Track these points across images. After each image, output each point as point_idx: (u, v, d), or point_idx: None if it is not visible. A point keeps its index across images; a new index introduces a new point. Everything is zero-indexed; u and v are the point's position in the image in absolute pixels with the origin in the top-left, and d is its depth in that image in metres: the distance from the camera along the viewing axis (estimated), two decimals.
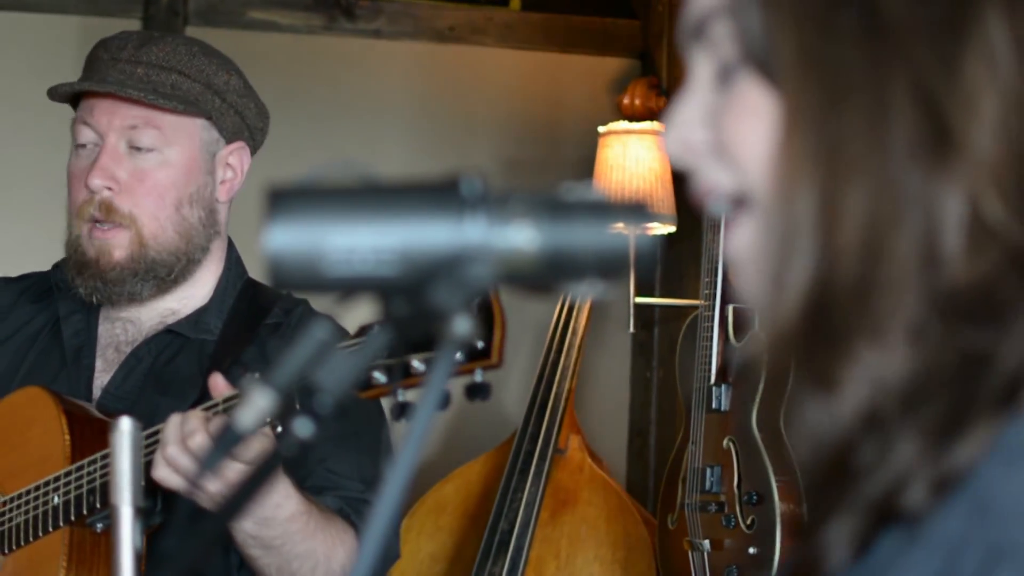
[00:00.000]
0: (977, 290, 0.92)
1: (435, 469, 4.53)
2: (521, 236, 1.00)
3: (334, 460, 2.46)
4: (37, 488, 2.43)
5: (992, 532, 0.89)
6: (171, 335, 2.61)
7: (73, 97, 2.63)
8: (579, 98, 5.17)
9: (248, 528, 2.29)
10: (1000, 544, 0.88)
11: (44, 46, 4.78)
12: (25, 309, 2.71)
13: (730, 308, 3.93)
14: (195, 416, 2.23)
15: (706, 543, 3.85)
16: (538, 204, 1.01)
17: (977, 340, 0.92)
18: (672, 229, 4.70)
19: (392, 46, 5.09)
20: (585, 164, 4.72)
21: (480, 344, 1.81)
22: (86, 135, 2.60)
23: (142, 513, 1.81)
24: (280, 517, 2.28)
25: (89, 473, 2.37)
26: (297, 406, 1.93)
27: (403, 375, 1.87)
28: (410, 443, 0.96)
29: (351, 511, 2.44)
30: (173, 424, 2.23)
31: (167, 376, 2.58)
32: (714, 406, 3.89)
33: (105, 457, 2.35)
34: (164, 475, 2.23)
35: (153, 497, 2.27)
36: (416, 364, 1.81)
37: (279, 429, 2.13)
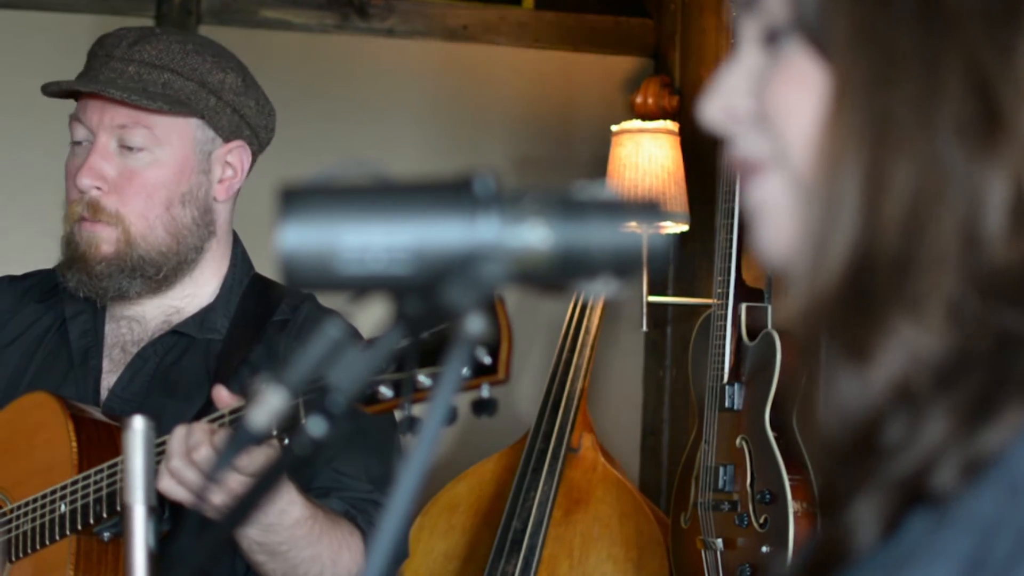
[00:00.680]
0: (1016, 272, 0.93)
1: (448, 468, 4.53)
2: (534, 235, 1.00)
3: (341, 461, 2.45)
4: (44, 496, 2.42)
5: None
6: (177, 335, 2.60)
7: (74, 93, 2.63)
8: (592, 97, 5.17)
9: (253, 535, 2.29)
10: None
11: (55, 45, 4.78)
12: (30, 308, 2.70)
13: (743, 307, 3.93)
14: (200, 429, 2.22)
15: (719, 542, 3.84)
16: (551, 203, 1.01)
17: (1013, 321, 0.92)
18: (685, 228, 4.69)
19: (405, 45, 5.09)
20: (598, 163, 4.72)
21: (487, 360, 1.81)
22: (80, 132, 2.60)
23: (154, 514, 1.81)
24: (285, 523, 2.28)
25: (96, 482, 2.36)
26: (303, 420, 1.93)
27: (410, 390, 1.86)
28: (422, 443, 0.96)
29: (357, 513, 2.43)
30: (178, 437, 2.22)
31: (173, 377, 2.57)
32: (727, 405, 3.88)
33: (112, 466, 2.35)
34: (169, 487, 2.22)
35: (160, 504, 2.27)
36: (423, 379, 1.80)
37: (285, 441, 2.12)
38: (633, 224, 1.01)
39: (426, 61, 5.12)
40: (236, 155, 2.63)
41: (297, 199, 1.01)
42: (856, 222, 0.95)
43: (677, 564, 4.07)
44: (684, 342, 4.56)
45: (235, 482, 2.15)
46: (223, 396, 2.23)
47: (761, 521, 3.73)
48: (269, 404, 1.07)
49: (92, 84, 2.55)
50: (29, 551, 2.44)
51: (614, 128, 4.63)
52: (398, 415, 1.92)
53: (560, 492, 4.27)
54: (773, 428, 3.74)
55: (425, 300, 1.00)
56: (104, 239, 2.55)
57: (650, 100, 4.74)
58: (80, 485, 2.38)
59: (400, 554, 2.49)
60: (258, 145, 2.67)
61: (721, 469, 3.86)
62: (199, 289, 2.63)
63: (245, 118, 2.62)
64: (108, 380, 2.60)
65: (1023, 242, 0.93)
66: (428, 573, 4.37)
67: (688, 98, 4.86)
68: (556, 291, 1.03)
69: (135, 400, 2.55)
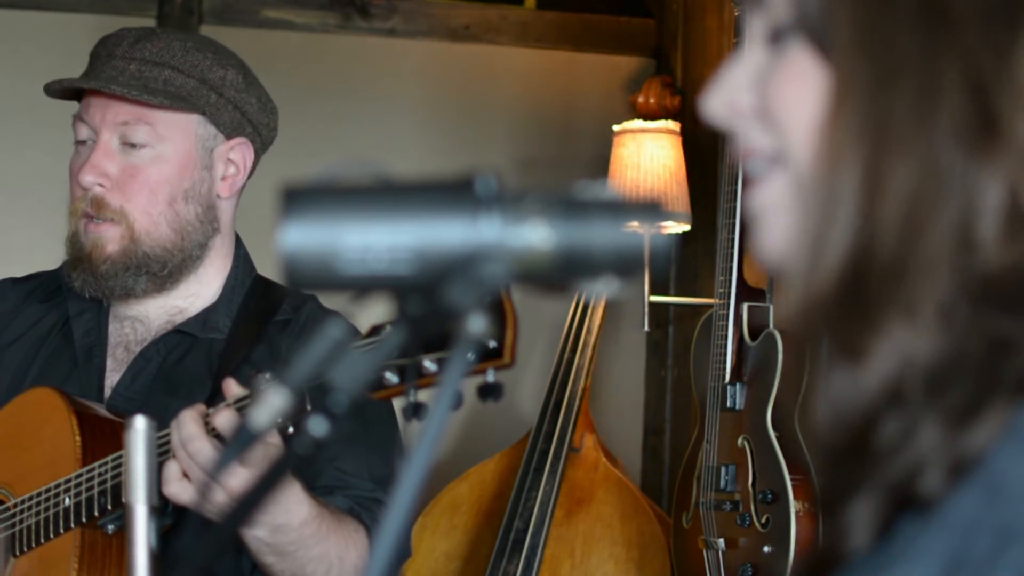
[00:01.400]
0: (1009, 277, 0.93)
1: (450, 468, 4.53)
2: (536, 235, 1.00)
3: (344, 459, 2.46)
4: (48, 490, 2.43)
5: (1004, 513, 0.90)
6: (180, 335, 2.61)
7: (78, 93, 2.64)
8: (594, 97, 5.17)
9: (262, 536, 2.29)
10: (1011, 524, 0.89)
11: (56, 45, 4.78)
12: (34, 309, 2.70)
13: (745, 307, 3.93)
14: (190, 419, 2.22)
15: (721, 542, 3.84)
16: (553, 203, 1.01)
17: (1004, 326, 0.93)
18: (687, 228, 4.69)
19: (407, 45, 5.09)
20: (600, 163, 4.72)
21: (492, 344, 1.81)
22: (83, 132, 2.61)
23: (155, 513, 1.81)
24: (293, 523, 2.28)
25: (100, 475, 2.36)
26: (308, 408, 1.93)
27: (416, 375, 1.86)
28: (425, 442, 0.96)
29: (362, 510, 2.43)
30: (173, 432, 2.23)
31: (176, 376, 2.57)
32: (729, 405, 3.88)
33: (116, 459, 2.35)
34: (175, 491, 2.23)
35: (163, 499, 2.27)
36: (428, 364, 1.80)
37: (291, 430, 2.13)
38: (635, 224, 1.01)
39: (428, 61, 5.12)
40: (238, 152, 2.63)
41: (299, 199, 1.01)
42: (853, 222, 0.95)
43: (679, 564, 4.07)
44: (686, 342, 4.57)
45: (237, 480, 2.16)
46: (232, 388, 2.24)
47: (763, 521, 3.73)
48: (271, 403, 1.08)
49: (94, 81, 2.56)
50: (33, 545, 2.44)
51: (616, 128, 4.63)
52: (402, 401, 1.92)
53: (562, 492, 4.27)
54: (775, 428, 3.74)
55: (427, 300, 1.00)
56: (109, 239, 2.56)
57: (652, 100, 4.75)
58: (84, 478, 2.38)
59: (403, 552, 2.49)
60: (261, 143, 2.67)
61: (723, 469, 3.86)
62: (202, 288, 2.63)
63: (247, 115, 2.62)
64: (111, 379, 2.60)
65: (1017, 247, 0.93)
66: (430, 573, 4.37)
67: (690, 98, 4.86)
68: (558, 291, 1.03)
69: (138, 399, 2.56)
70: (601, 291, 1.01)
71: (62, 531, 2.40)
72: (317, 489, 2.39)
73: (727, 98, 1.04)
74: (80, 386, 2.58)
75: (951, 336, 0.93)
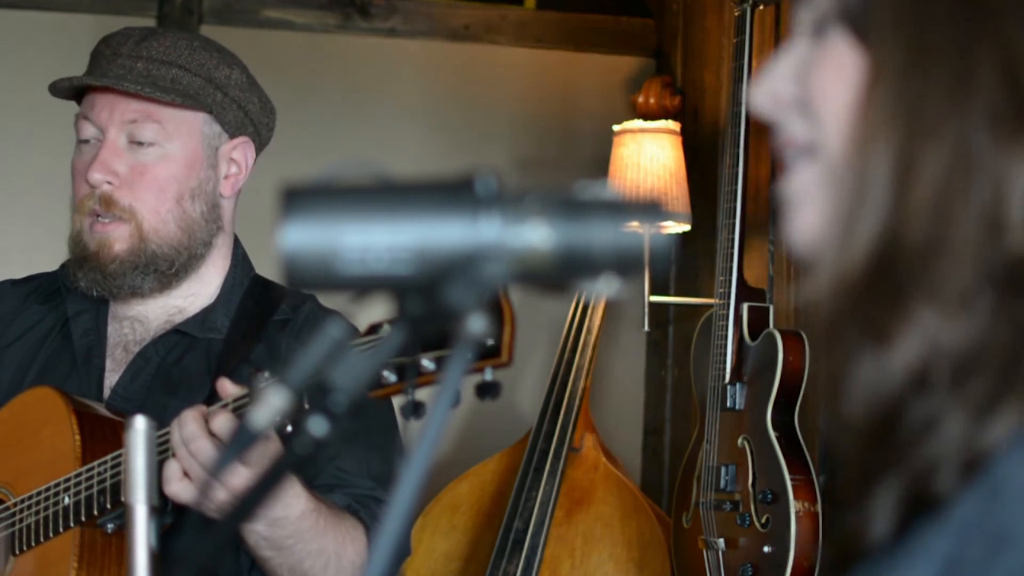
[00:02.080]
0: None
1: (450, 467, 4.53)
2: (536, 235, 1.00)
3: (343, 458, 2.46)
4: (48, 489, 2.43)
5: (999, 517, 0.90)
6: (178, 335, 2.61)
7: (78, 93, 2.64)
8: (594, 97, 5.17)
9: (260, 530, 2.29)
10: (1007, 529, 0.89)
11: (57, 45, 4.78)
12: (33, 310, 2.70)
13: (745, 307, 3.93)
14: (191, 419, 2.22)
15: (721, 542, 3.84)
16: (553, 203, 1.01)
17: None
18: (687, 228, 4.69)
19: (407, 45, 5.09)
20: (600, 163, 4.72)
21: (490, 342, 1.81)
22: (88, 130, 2.60)
23: (155, 512, 1.81)
24: (291, 516, 2.28)
25: (99, 474, 2.36)
26: (306, 406, 1.93)
27: (414, 374, 1.86)
28: (425, 441, 0.96)
29: (360, 508, 2.44)
30: (174, 431, 2.23)
31: (175, 376, 2.57)
32: (729, 405, 3.88)
33: (116, 458, 2.35)
34: (176, 490, 2.23)
35: (164, 497, 2.27)
36: (426, 363, 1.80)
37: (288, 429, 2.13)
38: (635, 224, 1.01)
39: (428, 61, 5.12)
40: (241, 151, 2.64)
41: (299, 199, 1.01)
42: (885, 205, 0.95)
43: (679, 564, 4.07)
44: (686, 342, 4.56)
45: (238, 478, 2.16)
46: (227, 387, 2.24)
47: (763, 521, 3.73)
48: (271, 403, 1.08)
49: (104, 79, 2.56)
50: (33, 544, 2.44)
51: (616, 128, 4.63)
52: (401, 400, 1.92)
53: (562, 492, 4.27)
54: (775, 428, 3.74)
55: (427, 300, 1.00)
56: (117, 238, 2.56)
57: (652, 100, 4.74)
58: (84, 477, 2.38)
59: (402, 551, 2.49)
60: (259, 143, 2.68)
61: (723, 469, 3.86)
62: (202, 288, 2.64)
63: (249, 115, 2.63)
64: (110, 379, 2.60)
65: None
66: (430, 573, 4.37)
67: (690, 98, 4.86)
68: (558, 291, 1.03)
69: (137, 399, 2.56)
70: (601, 291, 1.01)
71: (61, 530, 2.41)
72: (316, 487, 2.40)
73: (771, 89, 1.05)
74: (79, 386, 2.58)
75: (976, 324, 0.93)
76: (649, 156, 4.53)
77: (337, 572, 2.37)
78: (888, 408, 0.94)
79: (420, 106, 5.09)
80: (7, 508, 2.50)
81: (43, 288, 2.73)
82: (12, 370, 2.65)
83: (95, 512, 2.37)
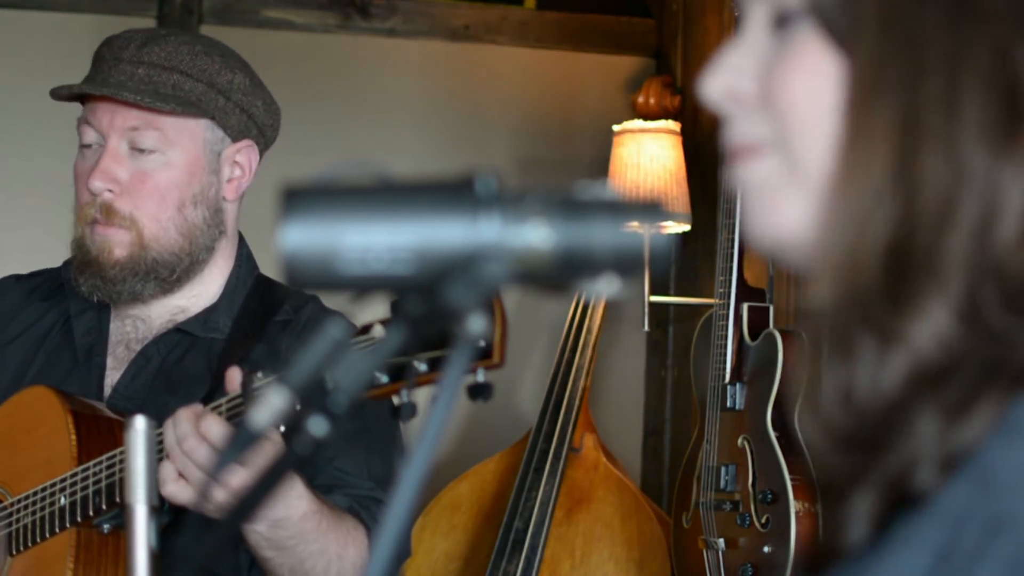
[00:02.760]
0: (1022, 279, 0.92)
1: (450, 468, 4.53)
2: (536, 235, 1.00)
3: (343, 459, 2.46)
4: (44, 489, 2.43)
5: (992, 504, 0.90)
6: (180, 334, 2.61)
7: (80, 96, 2.64)
8: (594, 97, 5.17)
9: (262, 530, 2.29)
10: (999, 515, 0.89)
11: (57, 45, 4.78)
12: (35, 307, 2.70)
13: (745, 307, 3.93)
14: (184, 418, 2.22)
15: (721, 542, 3.85)
16: (553, 203, 1.01)
17: (1009, 327, 0.92)
18: (687, 228, 4.69)
19: (407, 45, 5.09)
20: (600, 163, 4.72)
21: (482, 344, 1.81)
22: (90, 135, 2.60)
23: (154, 511, 1.81)
24: (293, 517, 2.28)
25: (95, 474, 2.36)
26: (302, 410, 1.93)
27: (408, 375, 1.86)
28: (424, 443, 0.96)
29: (361, 509, 2.43)
30: (168, 430, 2.22)
31: (176, 376, 2.57)
32: (729, 405, 3.88)
33: (111, 458, 2.35)
34: (173, 491, 2.23)
35: (161, 499, 2.27)
36: (418, 364, 1.80)
37: (281, 429, 2.12)
38: (635, 224, 1.01)
39: (428, 61, 5.12)
40: (244, 155, 2.63)
41: (299, 199, 1.01)
42: (893, 212, 0.94)
43: (679, 564, 4.07)
44: (686, 342, 4.57)
45: (237, 479, 2.16)
46: (234, 380, 2.23)
47: (763, 521, 3.73)
48: (271, 403, 1.08)
49: (104, 87, 2.55)
50: (30, 544, 2.44)
51: (616, 128, 4.63)
52: (397, 401, 1.91)
53: (562, 492, 4.27)
54: (775, 428, 3.74)
55: (427, 300, 1.00)
56: (117, 243, 2.56)
57: (652, 100, 4.74)
58: (79, 477, 2.38)
59: (402, 552, 2.49)
60: (264, 144, 2.68)
61: (723, 469, 3.86)
62: (205, 288, 2.63)
63: (253, 118, 2.63)
64: (111, 378, 2.60)
65: None
66: (430, 573, 4.37)
67: (690, 98, 4.86)
68: (558, 291, 1.03)
69: (137, 398, 2.56)
70: (601, 291, 1.01)
71: (58, 530, 2.40)
72: (316, 487, 2.40)
73: (727, 83, 1.03)
74: (80, 384, 2.58)
75: (961, 332, 0.92)
76: (649, 156, 4.53)
77: (339, 573, 2.37)
78: (885, 414, 0.94)
79: (420, 106, 5.09)
80: (4, 508, 2.50)
81: (46, 284, 2.73)
82: (13, 367, 2.65)
83: (91, 512, 2.36)
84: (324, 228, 1.00)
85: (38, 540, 2.43)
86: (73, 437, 2.43)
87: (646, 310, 4.51)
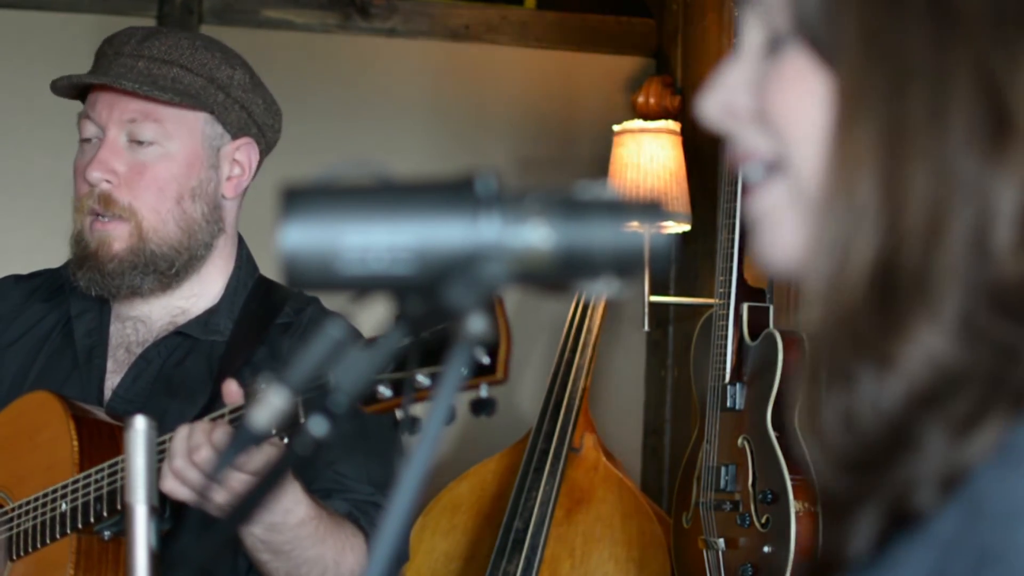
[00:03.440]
0: (1021, 286, 0.92)
1: (450, 468, 4.53)
2: (536, 235, 1.00)
3: (343, 463, 2.45)
4: (45, 495, 2.42)
5: (983, 534, 0.89)
6: (181, 337, 2.60)
7: (81, 92, 2.63)
8: (594, 97, 5.17)
9: (258, 533, 2.29)
10: (989, 547, 0.88)
11: (58, 45, 4.78)
12: (36, 308, 2.70)
13: (745, 307, 3.93)
14: (200, 429, 2.21)
15: (721, 542, 3.84)
16: (553, 203, 1.01)
17: (1012, 336, 0.92)
18: (687, 228, 4.69)
19: (407, 45, 5.09)
20: (600, 163, 4.72)
21: (486, 360, 1.80)
22: (89, 129, 2.60)
23: (155, 514, 1.81)
24: (290, 523, 2.27)
25: (96, 481, 2.36)
26: (302, 419, 1.92)
27: (409, 390, 1.86)
28: (420, 453, 0.96)
29: (360, 515, 2.43)
30: (180, 437, 2.21)
31: (177, 379, 2.56)
32: (729, 405, 3.88)
33: (112, 465, 2.35)
34: (172, 488, 2.22)
35: (162, 503, 2.27)
36: (421, 378, 1.80)
37: (285, 440, 2.12)
38: (635, 224, 1.01)
39: (428, 61, 5.12)
40: (244, 152, 2.63)
41: (299, 199, 1.01)
42: (879, 230, 0.93)
43: (679, 564, 4.07)
44: (686, 342, 4.56)
45: (237, 481, 2.15)
46: (232, 390, 2.23)
47: (763, 521, 3.73)
48: (271, 404, 1.07)
49: (103, 77, 2.56)
50: (30, 549, 2.44)
51: (616, 128, 4.63)
52: (399, 415, 1.91)
53: (562, 492, 4.27)
54: (775, 428, 3.74)
55: (426, 300, 1.00)
56: (116, 236, 2.55)
57: (652, 100, 4.74)
58: (81, 484, 2.38)
59: (401, 556, 2.48)
60: (265, 145, 2.67)
61: (723, 469, 3.86)
62: (205, 289, 2.63)
63: (253, 116, 2.62)
64: (112, 380, 2.60)
65: None
66: (430, 573, 4.37)
67: (690, 98, 4.86)
68: (558, 291, 1.03)
69: (138, 401, 2.55)
70: (601, 291, 1.01)
71: (58, 536, 2.40)
72: (315, 492, 2.39)
73: (723, 100, 1.03)
74: (80, 387, 2.58)
75: (964, 345, 0.92)
76: (649, 156, 4.53)
77: None
78: (887, 431, 0.93)
79: (420, 106, 5.09)
80: (5, 512, 2.49)
81: (46, 285, 2.72)
82: (14, 370, 2.65)
83: (91, 519, 2.36)
84: (324, 228, 1.00)
85: (38, 545, 2.43)
86: (75, 443, 2.42)
87: (646, 310, 4.51)
